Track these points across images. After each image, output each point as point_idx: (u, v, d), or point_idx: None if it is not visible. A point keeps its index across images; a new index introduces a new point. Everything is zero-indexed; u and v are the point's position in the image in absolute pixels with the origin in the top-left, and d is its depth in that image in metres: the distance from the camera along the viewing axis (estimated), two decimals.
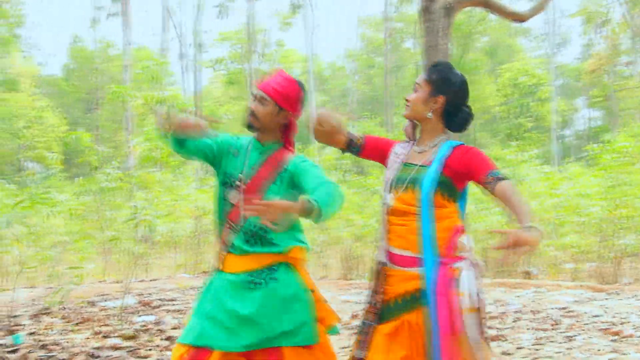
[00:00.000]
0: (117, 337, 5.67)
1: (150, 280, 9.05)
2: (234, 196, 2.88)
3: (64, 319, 6.40)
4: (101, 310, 6.82)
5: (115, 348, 5.32)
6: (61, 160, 27.94)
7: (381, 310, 2.75)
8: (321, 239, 10.31)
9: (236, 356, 2.77)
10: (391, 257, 2.77)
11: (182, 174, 14.62)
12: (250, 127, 2.93)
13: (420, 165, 2.77)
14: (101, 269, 9.65)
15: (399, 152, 2.92)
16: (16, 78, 31.23)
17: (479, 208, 13.11)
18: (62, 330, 5.96)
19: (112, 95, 9.00)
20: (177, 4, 49.05)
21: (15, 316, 6.47)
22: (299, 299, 2.85)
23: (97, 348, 5.30)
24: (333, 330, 2.97)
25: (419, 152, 2.84)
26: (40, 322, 6.27)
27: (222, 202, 2.92)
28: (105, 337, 5.70)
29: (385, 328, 2.71)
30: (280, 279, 2.85)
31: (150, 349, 5.30)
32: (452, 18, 6.88)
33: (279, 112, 2.90)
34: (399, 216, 2.75)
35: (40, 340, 5.50)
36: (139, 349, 5.31)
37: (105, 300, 7.21)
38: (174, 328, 6.00)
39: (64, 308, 6.85)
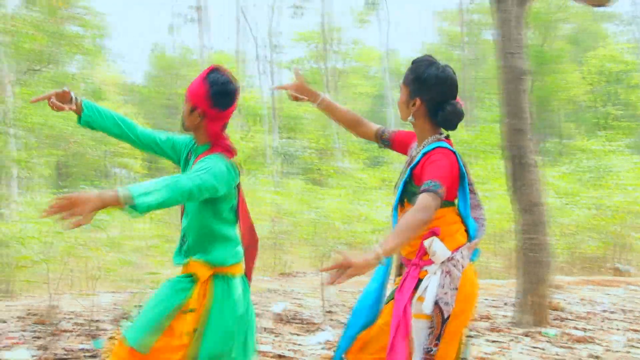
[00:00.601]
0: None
1: None
2: None
3: None
4: None
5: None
6: (144, 165, 28.81)
7: None
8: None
9: None
10: None
11: (259, 177, 14.74)
12: (183, 129, 2.88)
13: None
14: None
15: (410, 153, 2.85)
16: (101, 87, 32.34)
17: (564, 202, 12.67)
18: None
19: (181, 100, 9.07)
20: (252, 7, 49.70)
21: (97, 321, 6.63)
22: (159, 306, 2.70)
23: None
24: None
25: (414, 155, 2.76)
26: (121, 326, 6.39)
27: None
28: None
29: None
30: (173, 286, 2.76)
31: None
32: (525, 7, 6.64)
33: (193, 110, 2.78)
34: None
35: None
36: None
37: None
38: None
39: None
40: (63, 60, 22.26)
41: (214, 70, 2.81)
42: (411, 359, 2.50)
